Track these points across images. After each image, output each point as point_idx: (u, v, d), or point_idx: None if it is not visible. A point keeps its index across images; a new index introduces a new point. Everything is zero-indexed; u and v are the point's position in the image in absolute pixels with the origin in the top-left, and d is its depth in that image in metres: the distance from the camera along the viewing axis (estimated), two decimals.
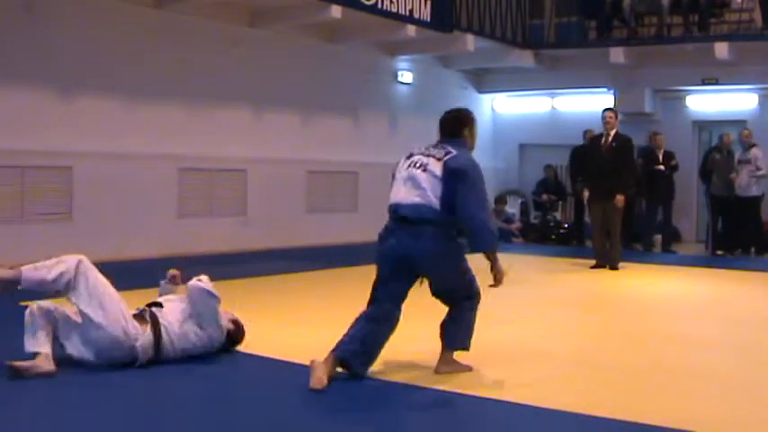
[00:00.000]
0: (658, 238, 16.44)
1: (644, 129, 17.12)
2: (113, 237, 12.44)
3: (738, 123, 17.20)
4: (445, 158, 5.90)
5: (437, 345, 6.20)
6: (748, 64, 16.62)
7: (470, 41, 16.73)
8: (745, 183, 15.36)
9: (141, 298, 6.54)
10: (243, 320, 6.70)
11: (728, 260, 14.88)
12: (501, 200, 18.61)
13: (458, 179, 5.82)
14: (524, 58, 18.39)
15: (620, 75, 18.11)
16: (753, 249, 15.80)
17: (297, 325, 8.02)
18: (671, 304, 10.22)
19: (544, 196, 18.77)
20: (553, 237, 18.03)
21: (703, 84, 17.66)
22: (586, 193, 13.50)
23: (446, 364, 6.15)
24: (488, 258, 5.97)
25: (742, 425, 5.14)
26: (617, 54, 17.44)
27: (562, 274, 12.98)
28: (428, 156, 5.98)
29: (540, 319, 8.87)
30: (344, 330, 5.90)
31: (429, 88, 18.66)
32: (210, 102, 14.20)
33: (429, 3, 15.25)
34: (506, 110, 20.98)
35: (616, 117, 13.44)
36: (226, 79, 14.40)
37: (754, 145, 15.47)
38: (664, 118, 18.55)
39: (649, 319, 9.00)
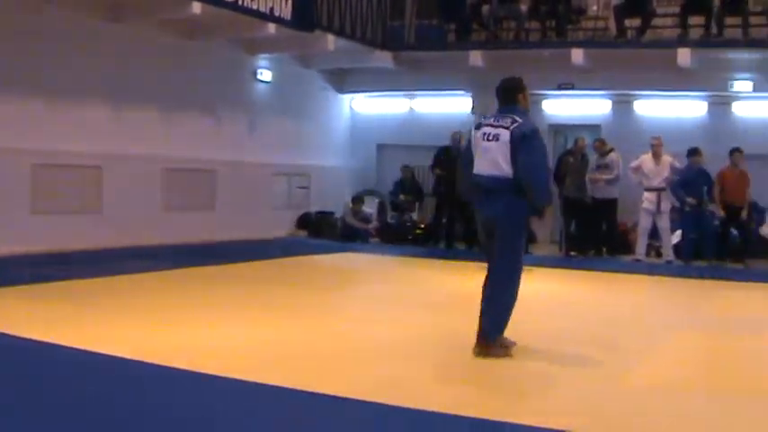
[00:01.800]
0: None
1: None
2: None
3: (592, 128, 17.69)
4: (512, 126, 6.97)
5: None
6: (603, 70, 17.08)
7: (331, 41, 16.75)
8: (603, 186, 15.73)
9: None
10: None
11: (581, 261, 15.27)
12: (358, 200, 18.63)
13: (521, 143, 6.89)
14: (384, 60, 18.49)
15: (478, 78, 18.31)
16: (604, 250, 16.21)
17: (149, 325, 7.79)
18: (524, 303, 10.39)
19: (401, 197, 18.79)
20: (410, 237, 18.11)
21: (559, 88, 18.05)
22: None
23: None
24: (540, 210, 7.17)
25: (598, 417, 5.27)
26: (475, 57, 17.69)
27: (420, 271, 13.13)
28: (498, 126, 7.07)
29: (393, 318, 8.91)
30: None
31: (288, 87, 18.60)
32: (67, 97, 13.79)
33: (290, 1, 15.18)
34: (365, 110, 20.99)
35: None
36: (84, 74, 13.99)
37: (611, 150, 15.87)
38: None
39: None
